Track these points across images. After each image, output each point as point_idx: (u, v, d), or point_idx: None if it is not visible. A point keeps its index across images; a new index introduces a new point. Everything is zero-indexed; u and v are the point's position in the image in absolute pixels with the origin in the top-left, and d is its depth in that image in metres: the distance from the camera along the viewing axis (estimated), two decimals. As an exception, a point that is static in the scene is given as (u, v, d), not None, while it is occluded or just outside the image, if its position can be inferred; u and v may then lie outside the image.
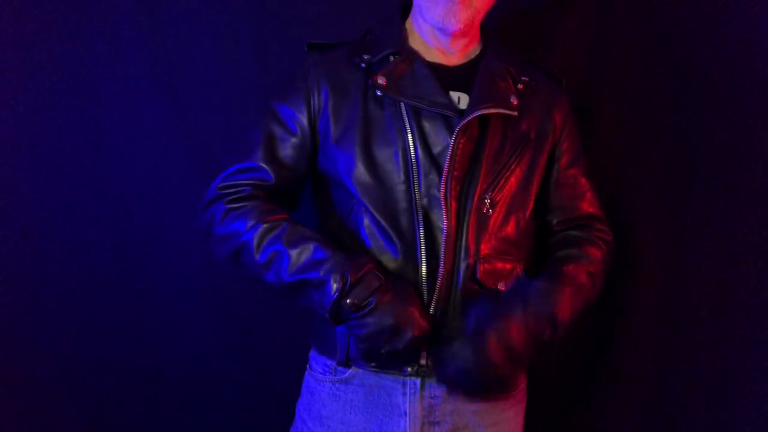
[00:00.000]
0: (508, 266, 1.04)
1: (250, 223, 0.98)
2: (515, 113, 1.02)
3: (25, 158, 1.26)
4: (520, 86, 1.07)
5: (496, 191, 1.01)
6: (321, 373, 1.07)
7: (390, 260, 0.99)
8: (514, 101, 1.03)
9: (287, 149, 1.04)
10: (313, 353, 1.12)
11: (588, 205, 1.15)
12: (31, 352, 1.31)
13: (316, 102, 1.03)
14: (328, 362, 1.06)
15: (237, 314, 1.34)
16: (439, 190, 0.98)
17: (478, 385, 0.95)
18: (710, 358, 1.23)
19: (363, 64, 1.04)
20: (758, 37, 1.18)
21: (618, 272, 1.28)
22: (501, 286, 1.02)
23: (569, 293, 0.99)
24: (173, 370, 1.37)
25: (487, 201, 1.01)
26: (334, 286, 0.92)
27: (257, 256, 0.97)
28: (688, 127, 1.25)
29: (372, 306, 0.91)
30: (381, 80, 1.00)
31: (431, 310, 0.98)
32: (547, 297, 0.96)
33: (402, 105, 1.00)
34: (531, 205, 1.08)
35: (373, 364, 1.00)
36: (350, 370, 1.04)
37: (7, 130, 1.24)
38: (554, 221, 1.14)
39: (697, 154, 1.24)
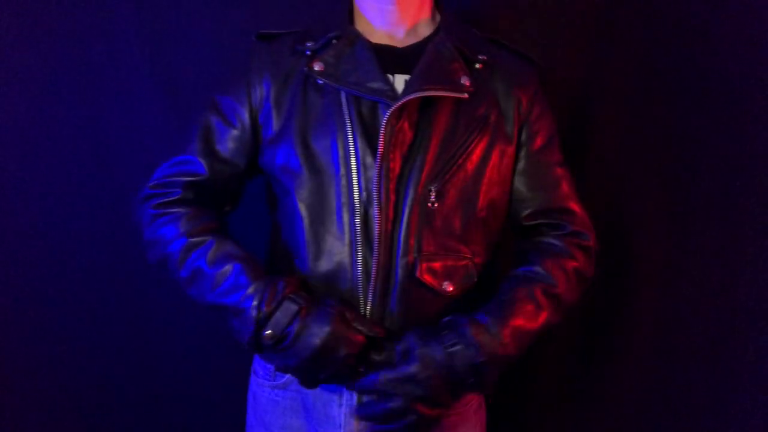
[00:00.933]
0: (459, 264, 0.95)
1: (175, 233, 0.94)
2: (464, 95, 0.93)
3: (25, 158, 1.26)
4: (478, 65, 0.98)
5: (444, 182, 0.92)
6: (262, 377, 1.03)
7: (329, 261, 0.93)
8: (466, 82, 0.94)
9: (226, 142, 0.98)
10: (257, 355, 1.06)
11: (562, 198, 1.02)
12: (30, 352, 1.31)
13: (258, 94, 0.98)
14: (269, 365, 1.01)
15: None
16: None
17: (395, 425, 0.88)
18: (710, 359, 1.23)
19: (308, 52, 0.96)
20: (759, 37, 1.17)
21: (618, 273, 1.28)
22: (448, 286, 0.93)
23: (515, 327, 0.90)
24: (173, 369, 1.37)
25: (433, 193, 0.92)
26: (252, 319, 0.87)
27: (180, 271, 0.93)
28: (688, 127, 1.24)
29: (293, 334, 0.86)
30: (317, 66, 0.94)
31: (367, 312, 0.92)
32: (479, 342, 0.87)
33: (342, 92, 0.93)
34: (493, 196, 0.97)
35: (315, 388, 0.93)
36: (287, 375, 0.98)
37: (7, 130, 1.24)
38: (522, 214, 1.02)
39: (698, 154, 1.23)
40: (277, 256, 1.00)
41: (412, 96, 0.90)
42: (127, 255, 1.31)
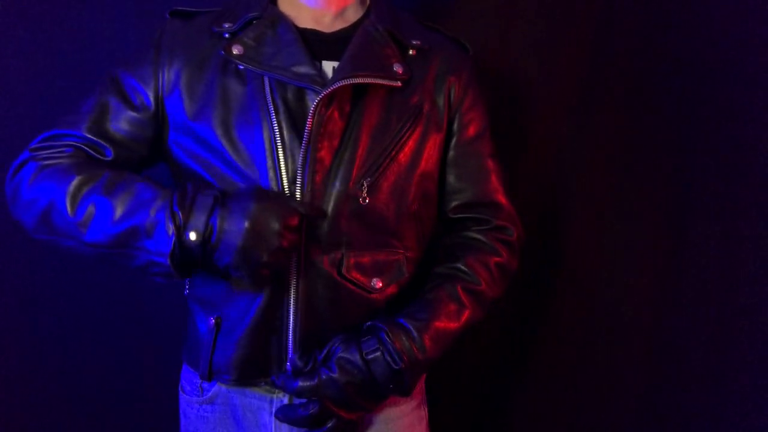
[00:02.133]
0: (391, 258, 0.91)
1: (64, 176, 0.82)
2: (397, 83, 0.88)
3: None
4: (412, 51, 0.93)
5: (377, 176, 0.87)
6: (189, 393, 0.98)
7: None
8: (399, 69, 0.89)
9: (121, 123, 0.89)
10: (184, 369, 1.01)
11: (490, 191, 0.98)
12: (30, 352, 1.31)
13: (166, 77, 0.89)
14: (196, 379, 0.96)
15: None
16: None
17: (317, 429, 0.87)
18: (710, 359, 1.18)
19: (225, 34, 0.89)
20: (759, 37, 1.15)
21: (617, 273, 1.26)
22: (377, 283, 0.90)
23: (437, 329, 0.88)
24: (173, 368, 1.28)
25: (365, 189, 0.87)
26: (170, 226, 0.76)
27: (72, 214, 0.80)
28: (688, 128, 1.22)
29: (218, 224, 0.77)
30: (236, 49, 0.86)
31: (291, 312, 0.87)
32: (399, 349, 0.84)
33: (265, 78, 0.86)
34: (426, 188, 0.93)
35: (262, 287, 0.86)
36: (213, 388, 0.94)
37: (7, 130, 1.21)
38: (449, 206, 0.98)
39: (698, 155, 1.20)
40: None
41: (343, 83, 0.84)
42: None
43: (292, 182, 0.85)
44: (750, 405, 1.10)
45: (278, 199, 0.81)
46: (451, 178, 0.98)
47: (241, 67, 0.87)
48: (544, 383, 1.38)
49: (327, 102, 0.85)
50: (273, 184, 0.85)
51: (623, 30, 1.28)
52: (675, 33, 1.24)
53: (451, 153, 0.97)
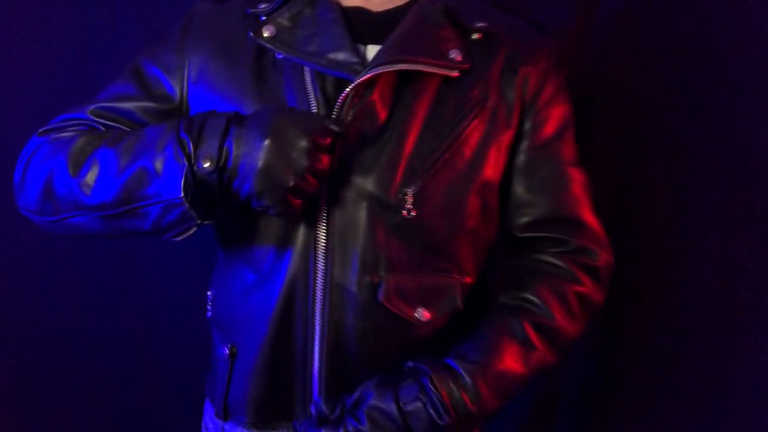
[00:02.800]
0: (441, 283, 0.76)
1: (67, 143, 0.73)
2: (453, 72, 0.73)
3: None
4: (476, 35, 0.77)
5: (426, 182, 0.72)
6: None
7: (265, 275, 0.74)
8: (456, 56, 0.73)
9: (134, 111, 0.79)
10: (206, 406, 0.90)
11: (570, 205, 0.80)
12: (30, 352, 1.30)
13: (192, 66, 0.78)
14: (217, 420, 0.84)
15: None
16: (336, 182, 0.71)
17: None
18: (709, 360, 1.18)
19: (263, 17, 0.76)
20: (759, 36, 1.15)
21: (618, 274, 1.25)
22: (424, 314, 0.74)
23: (497, 374, 0.71)
24: (173, 369, 1.34)
25: (409, 198, 0.71)
26: (179, 156, 0.64)
27: (74, 175, 0.70)
28: (688, 128, 1.22)
29: (233, 148, 0.64)
30: (267, 31, 0.74)
31: (315, 351, 0.73)
32: (445, 401, 0.68)
33: (305, 67, 0.73)
34: (487, 199, 0.77)
35: (293, 218, 0.71)
36: (228, 427, 0.82)
37: (7, 130, 1.21)
38: (517, 223, 0.80)
39: (699, 155, 1.20)
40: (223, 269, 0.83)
41: (380, 70, 0.69)
42: (126, 253, 1.28)
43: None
44: None
45: (306, 114, 0.67)
46: (520, 189, 0.80)
47: (280, 56, 0.74)
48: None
49: (361, 93, 0.70)
50: None
51: (622, 29, 1.27)
52: (675, 32, 1.23)
53: (522, 157, 0.79)
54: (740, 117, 1.14)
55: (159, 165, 0.66)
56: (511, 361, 0.73)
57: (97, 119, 0.79)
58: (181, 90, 0.79)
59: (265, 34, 0.74)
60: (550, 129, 0.80)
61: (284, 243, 0.74)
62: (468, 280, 0.78)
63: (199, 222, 0.67)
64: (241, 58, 0.76)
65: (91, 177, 0.69)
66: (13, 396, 1.31)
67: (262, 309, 0.75)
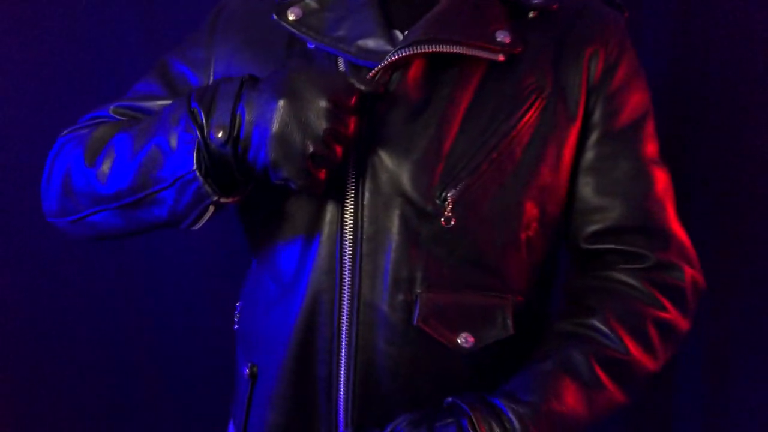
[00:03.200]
0: (488, 303, 0.64)
1: (84, 137, 0.69)
2: (498, 57, 0.62)
3: (25, 158, 1.21)
4: (532, 13, 0.66)
5: (468, 187, 0.62)
6: None
7: (289, 289, 0.66)
8: (505, 38, 0.62)
9: (158, 108, 0.71)
10: (230, 429, 0.81)
11: (650, 212, 0.67)
12: (30, 353, 1.29)
13: (220, 61, 0.72)
14: None
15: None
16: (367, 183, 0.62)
17: None
18: (709, 361, 1.21)
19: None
20: (758, 36, 1.16)
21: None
22: (467, 338, 0.63)
23: (553, 415, 0.59)
24: (173, 370, 1.34)
25: (448, 205, 0.61)
26: (191, 128, 0.58)
27: (90, 164, 0.65)
28: (688, 128, 1.23)
29: (245, 113, 0.57)
30: (292, 13, 0.66)
31: (341, 383, 0.64)
32: None
33: (339, 57, 0.65)
34: (546, 205, 0.66)
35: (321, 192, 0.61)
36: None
37: (7, 130, 1.22)
38: (585, 232, 0.68)
39: (699, 155, 1.22)
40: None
41: (410, 51, 0.60)
42: (127, 254, 1.27)
43: (340, 191, 0.64)
44: None
45: (326, 71, 0.60)
46: (588, 191, 0.67)
47: (312, 45, 0.66)
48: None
49: (387, 79, 0.62)
50: (327, 195, 0.64)
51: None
52: (675, 32, 1.23)
53: (590, 154, 0.67)
54: (742, 117, 1.14)
55: (173, 140, 0.59)
56: (571, 403, 0.60)
57: (120, 117, 0.74)
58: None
59: (291, 17, 0.66)
60: (624, 119, 0.67)
61: (307, 251, 0.65)
62: (520, 300, 0.66)
63: (215, 199, 0.59)
64: (270, 50, 0.69)
65: (106, 164, 0.64)
66: (13, 395, 1.31)
67: (282, 326, 0.67)
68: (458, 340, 0.63)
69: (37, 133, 1.24)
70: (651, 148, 0.69)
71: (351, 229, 0.63)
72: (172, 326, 1.31)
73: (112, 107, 0.75)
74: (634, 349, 0.64)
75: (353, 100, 0.58)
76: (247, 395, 0.71)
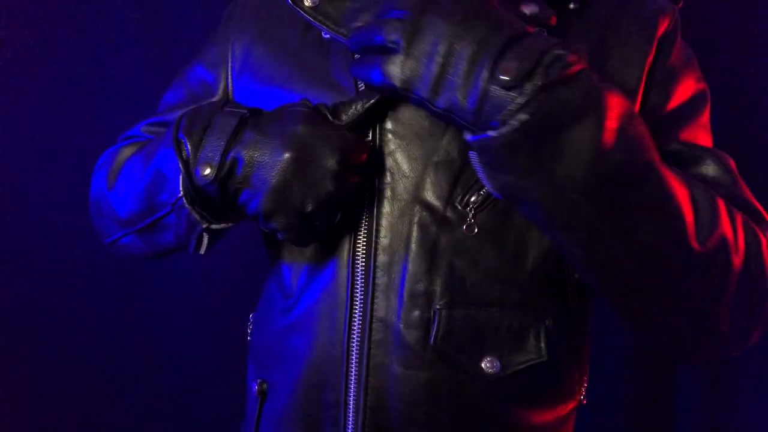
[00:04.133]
0: (518, 324, 0.58)
1: (112, 159, 0.69)
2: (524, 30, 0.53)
3: (25, 158, 1.24)
4: (572, 5, 0.61)
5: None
6: None
7: (306, 302, 0.62)
8: (534, 9, 0.56)
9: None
10: None
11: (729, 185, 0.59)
12: (31, 353, 1.29)
13: (235, 56, 0.69)
14: None
15: (238, 314, 1.33)
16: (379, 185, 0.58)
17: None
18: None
19: None
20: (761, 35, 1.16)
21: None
22: (492, 362, 0.57)
23: (638, 129, 0.50)
24: (174, 370, 1.35)
25: (471, 209, 0.57)
26: (173, 153, 0.56)
27: (111, 189, 0.65)
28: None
29: (244, 156, 0.54)
30: (308, 0, 0.62)
31: (350, 409, 0.58)
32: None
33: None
34: None
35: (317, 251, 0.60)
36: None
37: (8, 130, 1.22)
38: None
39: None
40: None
41: None
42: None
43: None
44: None
45: (337, 126, 0.55)
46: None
47: (327, 35, 0.62)
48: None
49: None
50: None
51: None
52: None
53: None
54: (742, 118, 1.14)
55: (168, 166, 0.58)
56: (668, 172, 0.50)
57: (143, 133, 0.74)
58: (226, 84, 0.70)
59: (307, 3, 0.62)
60: (675, 105, 0.62)
61: (315, 261, 0.61)
62: (554, 320, 0.59)
63: (205, 226, 0.57)
64: (286, 43, 0.65)
65: (123, 189, 0.64)
66: (13, 395, 1.31)
67: (289, 343, 0.63)
68: (482, 365, 0.57)
69: (37, 134, 1.25)
70: (706, 135, 0.64)
71: (365, 240, 0.59)
72: (179, 330, 1.33)
73: (142, 126, 0.74)
74: (723, 209, 0.54)
75: (363, 157, 0.56)
76: (256, 414, 0.67)
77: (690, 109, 0.63)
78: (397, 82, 0.50)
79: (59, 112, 1.25)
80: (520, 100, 0.46)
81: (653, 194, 0.49)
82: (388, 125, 0.59)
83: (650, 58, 0.61)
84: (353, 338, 0.58)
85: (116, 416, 1.34)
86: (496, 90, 0.46)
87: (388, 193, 0.58)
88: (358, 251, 0.59)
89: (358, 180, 0.56)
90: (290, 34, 0.65)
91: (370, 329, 0.58)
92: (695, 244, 0.50)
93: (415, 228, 0.57)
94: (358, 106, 0.55)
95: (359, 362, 0.58)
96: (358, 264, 0.59)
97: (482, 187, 0.56)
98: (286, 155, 0.52)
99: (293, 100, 0.60)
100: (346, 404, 0.59)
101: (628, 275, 0.51)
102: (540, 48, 0.47)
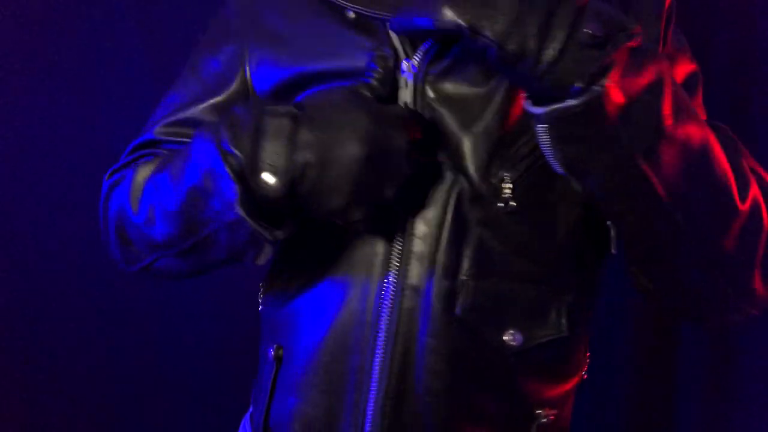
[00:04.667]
0: (539, 297, 0.59)
1: (128, 179, 0.65)
2: None
3: (24, 158, 1.24)
4: None
5: (527, 166, 0.57)
6: None
7: (325, 279, 0.61)
8: None
9: (202, 114, 0.68)
10: (244, 423, 0.76)
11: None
12: (31, 353, 1.29)
13: (253, 45, 0.66)
14: None
15: (238, 314, 1.32)
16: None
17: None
18: (709, 359, 1.21)
19: None
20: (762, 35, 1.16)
21: (617, 273, 1.25)
22: (515, 337, 0.58)
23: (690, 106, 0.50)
24: (174, 370, 1.34)
25: (506, 184, 0.57)
26: (226, 173, 0.51)
27: (137, 213, 0.61)
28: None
29: (308, 158, 0.50)
30: None
31: (376, 360, 0.58)
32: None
33: (385, 25, 0.58)
34: None
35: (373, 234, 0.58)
36: None
37: (8, 130, 1.22)
38: None
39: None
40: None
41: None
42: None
43: None
44: None
45: (390, 105, 0.54)
46: None
47: (350, 12, 0.58)
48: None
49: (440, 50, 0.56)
50: None
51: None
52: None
53: None
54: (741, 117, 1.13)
55: (208, 183, 0.53)
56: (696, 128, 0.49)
57: (166, 137, 0.69)
58: (244, 75, 0.67)
59: None
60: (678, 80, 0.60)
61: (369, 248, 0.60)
62: (574, 297, 0.61)
63: (270, 238, 0.53)
64: (306, 24, 0.62)
65: (151, 212, 0.59)
66: (13, 395, 1.31)
67: (312, 307, 0.62)
68: (505, 337, 0.58)
69: (37, 134, 1.25)
70: (703, 114, 0.63)
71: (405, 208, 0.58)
72: (179, 330, 1.33)
73: (156, 128, 0.70)
74: (747, 167, 0.55)
75: (424, 133, 0.54)
76: (272, 379, 0.66)
77: (688, 89, 0.61)
78: (463, 20, 0.44)
79: (59, 112, 1.26)
80: (605, 61, 0.43)
81: (710, 161, 0.50)
82: (430, 94, 0.57)
83: (662, 28, 0.60)
84: (384, 305, 0.58)
85: (117, 415, 1.35)
86: (576, 47, 0.43)
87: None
88: (398, 221, 0.58)
89: (424, 158, 0.55)
90: (313, 13, 0.62)
91: (402, 296, 0.58)
92: (740, 205, 0.51)
93: (452, 199, 0.57)
94: (384, 65, 0.54)
95: (388, 329, 0.58)
96: (397, 232, 0.58)
97: (519, 161, 0.56)
98: (358, 148, 0.50)
99: (319, 83, 0.58)
100: (371, 369, 0.59)
101: (682, 241, 0.51)
102: (613, 13, 0.45)
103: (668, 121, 0.47)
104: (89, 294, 1.29)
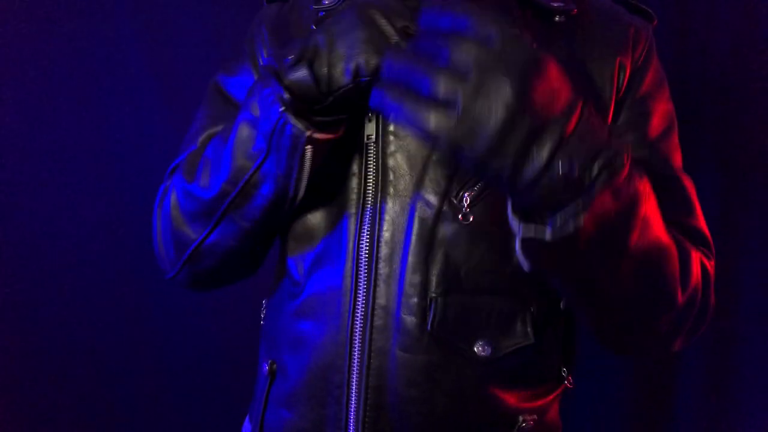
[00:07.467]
0: (505, 309, 0.62)
1: (175, 177, 0.70)
2: None
3: (25, 159, 1.24)
4: (558, 18, 0.65)
5: (484, 186, 0.61)
6: None
7: (314, 290, 0.66)
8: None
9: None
10: (245, 428, 0.79)
11: (686, 215, 0.66)
12: (31, 353, 1.30)
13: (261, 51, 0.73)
14: None
15: (239, 314, 1.32)
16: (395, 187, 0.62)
17: None
18: (709, 358, 1.21)
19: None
20: (762, 34, 1.16)
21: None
22: (483, 346, 0.61)
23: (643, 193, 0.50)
24: (173, 370, 1.35)
25: (466, 200, 0.61)
26: (268, 78, 0.57)
27: (193, 180, 0.65)
28: (688, 128, 1.23)
29: (319, 37, 0.56)
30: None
31: (353, 388, 0.63)
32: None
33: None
34: None
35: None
36: None
37: (7, 131, 1.22)
38: None
39: (699, 154, 1.22)
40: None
41: None
42: (127, 256, 1.28)
43: (361, 194, 0.63)
44: None
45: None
46: None
47: None
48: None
49: None
50: (347, 200, 0.63)
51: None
52: (676, 31, 1.23)
53: None
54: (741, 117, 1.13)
55: (254, 108, 0.58)
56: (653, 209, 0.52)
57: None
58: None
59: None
60: (655, 125, 0.67)
61: (323, 251, 0.65)
62: (538, 306, 0.64)
63: (309, 134, 0.55)
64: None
65: (206, 171, 0.63)
66: (13, 395, 1.31)
67: (297, 326, 0.67)
68: (475, 349, 0.62)
69: (37, 134, 1.25)
70: (678, 158, 0.69)
71: (368, 233, 0.62)
72: (180, 330, 1.33)
73: (201, 138, 0.73)
74: (694, 253, 0.61)
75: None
76: (265, 392, 0.71)
77: (667, 135, 0.68)
78: (444, 142, 0.44)
79: (59, 113, 1.26)
80: (581, 201, 0.44)
81: (661, 265, 0.55)
82: (390, 128, 0.62)
83: (624, 88, 0.66)
84: (356, 324, 0.62)
85: (116, 416, 1.35)
86: (553, 179, 0.44)
87: (390, 190, 0.62)
88: (363, 244, 0.63)
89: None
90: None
91: (372, 316, 0.62)
92: (680, 297, 0.58)
93: (415, 222, 0.61)
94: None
95: (362, 346, 0.62)
96: (362, 256, 0.63)
97: (476, 183, 0.61)
98: (358, 17, 0.55)
99: None
100: (349, 384, 0.63)
101: (617, 315, 0.58)
102: (603, 139, 0.46)
103: (632, 242, 0.50)
104: (89, 297, 1.30)
